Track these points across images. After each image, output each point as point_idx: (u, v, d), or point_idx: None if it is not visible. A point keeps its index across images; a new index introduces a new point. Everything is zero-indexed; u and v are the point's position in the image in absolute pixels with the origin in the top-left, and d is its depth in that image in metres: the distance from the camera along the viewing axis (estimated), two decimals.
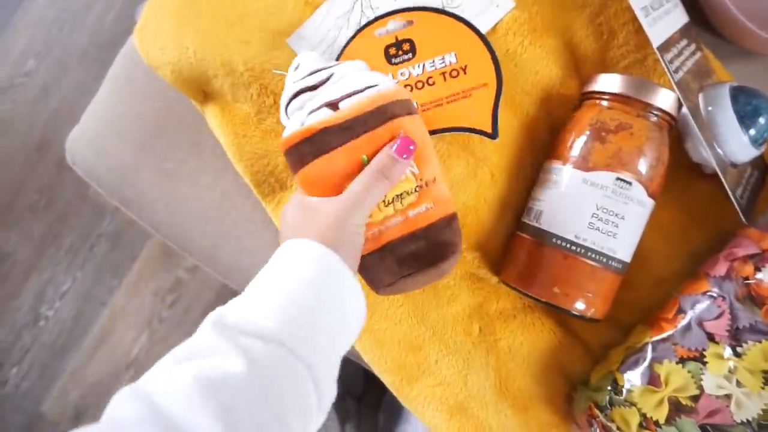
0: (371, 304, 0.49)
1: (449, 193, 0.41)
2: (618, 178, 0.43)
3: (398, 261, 0.39)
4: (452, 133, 0.47)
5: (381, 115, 0.38)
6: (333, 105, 0.38)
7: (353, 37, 0.48)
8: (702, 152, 0.45)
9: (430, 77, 0.47)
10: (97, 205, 1.21)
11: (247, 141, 0.51)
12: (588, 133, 0.44)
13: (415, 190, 0.39)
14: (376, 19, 0.48)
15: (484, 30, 0.48)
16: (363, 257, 0.39)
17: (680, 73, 0.45)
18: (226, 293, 1.11)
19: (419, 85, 0.47)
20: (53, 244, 1.21)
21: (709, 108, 0.45)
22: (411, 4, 0.49)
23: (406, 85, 0.47)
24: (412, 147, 0.37)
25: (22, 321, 1.19)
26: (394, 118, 0.38)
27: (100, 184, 0.59)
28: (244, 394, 0.28)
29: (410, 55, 0.48)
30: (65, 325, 1.18)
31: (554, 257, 0.44)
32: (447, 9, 0.49)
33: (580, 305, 0.43)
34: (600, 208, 0.43)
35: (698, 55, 0.49)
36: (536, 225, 0.45)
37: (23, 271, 1.20)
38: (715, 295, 0.42)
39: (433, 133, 0.47)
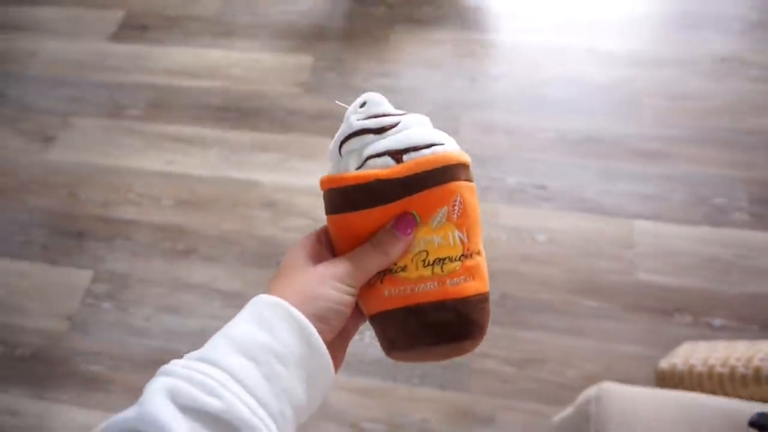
0: None
1: (486, 272, 0.39)
2: None
3: (423, 326, 0.37)
4: None
5: (442, 175, 0.37)
6: (396, 155, 0.37)
7: None
8: None
9: None
10: None
11: None
12: None
13: (460, 259, 0.37)
14: None
15: None
16: (386, 311, 0.37)
17: None
18: None
19: None
20: None
21: None
22: None
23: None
24: (410, 230, 0.36)
25: None
26: (453, 181, 0.37)
27: None
28: None
29: None
30: None
31: None
32: None
33: None
34: None
35: None
36: None
37: None
38: None
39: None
